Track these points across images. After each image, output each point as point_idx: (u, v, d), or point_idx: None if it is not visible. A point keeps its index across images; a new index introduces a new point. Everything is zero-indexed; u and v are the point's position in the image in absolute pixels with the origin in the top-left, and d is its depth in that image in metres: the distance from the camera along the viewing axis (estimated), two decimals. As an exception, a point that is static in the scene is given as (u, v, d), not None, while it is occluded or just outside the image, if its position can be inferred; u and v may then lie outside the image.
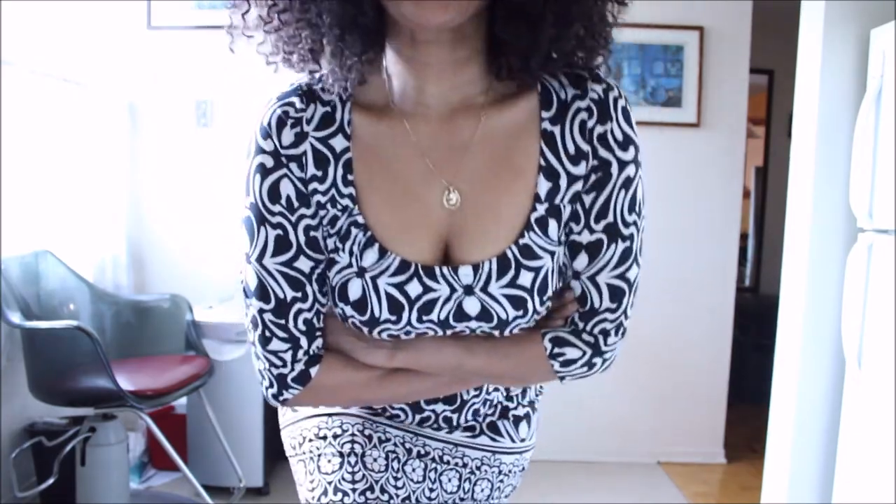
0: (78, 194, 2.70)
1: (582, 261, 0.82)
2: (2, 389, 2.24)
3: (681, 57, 3.03)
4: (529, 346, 0.84)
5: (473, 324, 0.81)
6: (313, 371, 0.82)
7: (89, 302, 2.50)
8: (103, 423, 2.19)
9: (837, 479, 2.06)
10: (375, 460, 0.90)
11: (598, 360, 0.85)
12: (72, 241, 2.66)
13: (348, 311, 0.80)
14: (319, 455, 0.91)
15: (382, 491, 0.89)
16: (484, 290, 0.79)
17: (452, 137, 0.80)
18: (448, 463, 0.95)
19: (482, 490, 0.98)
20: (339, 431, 0.92)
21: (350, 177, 0.79)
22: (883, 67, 1.92)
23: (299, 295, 0.79)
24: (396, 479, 0.91)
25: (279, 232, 0.78)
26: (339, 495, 0.87)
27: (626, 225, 0.81)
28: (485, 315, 0.80)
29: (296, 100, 0.79)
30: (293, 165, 0.78)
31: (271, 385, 0.82)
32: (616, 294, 0.82)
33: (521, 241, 0.79)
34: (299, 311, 0.79)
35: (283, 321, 0.79)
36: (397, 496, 0.90)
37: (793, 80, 2.27)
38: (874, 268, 1.93)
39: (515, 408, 0.98)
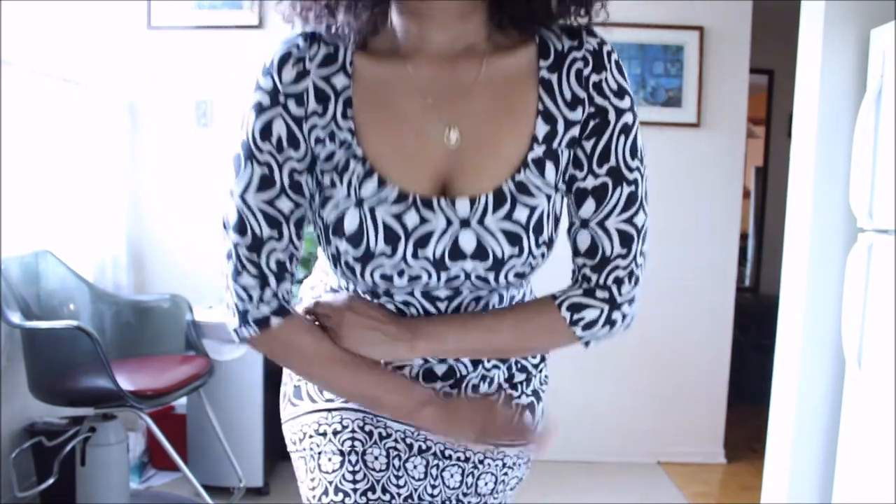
0: (78, 194, 2.70)
1: (589, 207, 0.84)
2: (2, 389, 2.24)
3: (681, 57, 3.03)
4: (548, 318, 0.86)
5: (469, 264, 0.82)
6: (275, 321, 0.83)
7: (89, 302, 2.50)
8: (103, 423, 2.19)
9: (837, 479, 2.06)
10: (376, 458, 0.90)
11: (617, 316, 0.86)
12: (72, 241, 2.66)
13: (342, 246, 0.80)
14: (320, 453, 0.91)
15: (384, 491, 0.89)
16: (480, 222, 0.81)
17: (454, 80, 0.82)
18: (450, 458, 0.95)
19: (486, 484, 0.98)
20: (338, 428, 0.91)
21: (349, 112, 0.81)
22: (883, 67, 1.91)
23: (275, 234, 0.81)
24: (398, 477, 0.91)
25: (265, 171, 0.80)
26: (340, 496, 0.88)
27: (630, 169, 0.83)
28: (480, 252, 0.81)
29: (300, 40, 0.82)
30: (291, 103, 0.80)
31: (234, 318, 0.84)
32: (626, 239, 0.84)
33: (517, 178, 0.82)
34: (273, 250, 0.81)
35: (255, 257, 0.81)
36: (399, 495, 0.90)
37: (793, 80, 2.27)
38: (874, 268, 1.93)
39: (518, 397, 0.98)
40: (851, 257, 1.98)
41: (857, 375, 1.97)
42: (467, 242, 0.81)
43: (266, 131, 0.80)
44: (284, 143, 0.80)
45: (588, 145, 0.83)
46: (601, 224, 0.83)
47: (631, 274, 0.85)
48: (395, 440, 0.92)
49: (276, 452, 2.75)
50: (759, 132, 4.30)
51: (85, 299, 2.49)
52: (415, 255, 0.80)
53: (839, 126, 2.12)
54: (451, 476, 0.95)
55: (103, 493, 2.17)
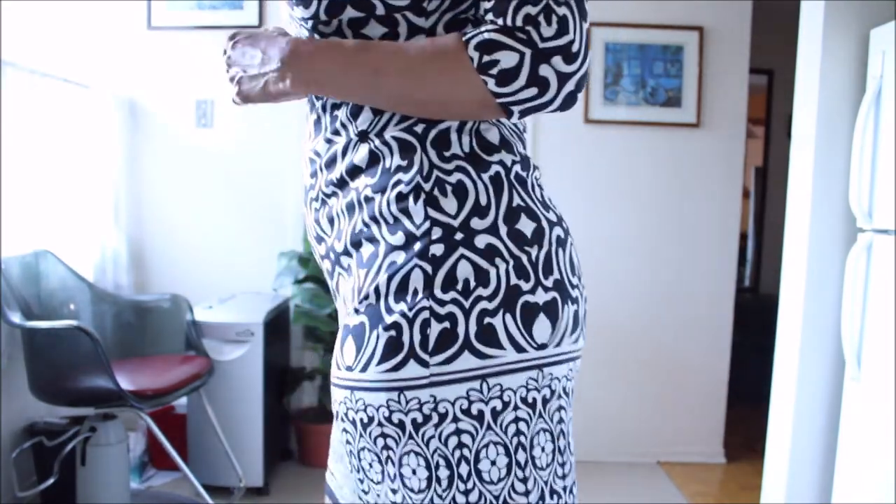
0: (78, 194, 2.70)
1: None
2: (2, 389, 2.24)
3: (680, 57, 3.03)
4: (452, 59, 0.71)
5: None
6: None
7: (89, 302, 2.50)
8: (103, 423, 2.19)
9: (837, 479, 2.06)
10: None
11: (546, 72, 0.69)
12: (72, 241, 2.66)
13: None
14: None
15: None
16: None
17: None
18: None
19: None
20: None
21: None
22: (882, 67, 1.92)
23: None
24: None
25: None
26: None
27: None
28: None
29: None
30: None
31: None
32: None
33: None
34: None
35: None
36: None
37: (792, 80, 2.27)
38: (874, 268, 1.93)
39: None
40: (851, 257, 1.98)
41: (857, 375, 1.97)
42: None
43: None
44: None
45: None
46: None
47: (549, 11, 0.67)
48: None
49: (276, 452, 2.75)
50: (758, 132, 4.30)
51: (85, 299, 2.49)
52: None
53: (839, 126, 2.12)
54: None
55: (103, 492, 2.17)
